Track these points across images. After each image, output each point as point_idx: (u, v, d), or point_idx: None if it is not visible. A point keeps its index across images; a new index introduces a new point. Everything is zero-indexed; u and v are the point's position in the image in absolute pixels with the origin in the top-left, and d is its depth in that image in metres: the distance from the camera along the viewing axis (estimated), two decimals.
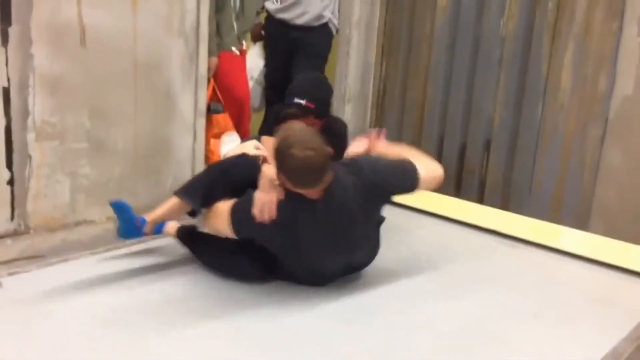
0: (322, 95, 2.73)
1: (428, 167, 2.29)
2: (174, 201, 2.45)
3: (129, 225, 2.46)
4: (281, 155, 2.03)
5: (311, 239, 2.14)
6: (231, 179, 2.31)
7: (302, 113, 2.61)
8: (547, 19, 3.19)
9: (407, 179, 2.23)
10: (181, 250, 2.55)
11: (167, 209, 2.47)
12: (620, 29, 2.95)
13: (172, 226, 2.58)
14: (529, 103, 3.30)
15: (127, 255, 2.56)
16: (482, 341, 2.03)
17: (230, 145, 3.13)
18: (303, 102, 2.64)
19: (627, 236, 2.86)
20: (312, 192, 2.08)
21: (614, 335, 2.11)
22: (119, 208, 2.46)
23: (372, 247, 2.37)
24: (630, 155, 2.95)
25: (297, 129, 2.10)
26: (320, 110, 2.67)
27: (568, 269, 2.74)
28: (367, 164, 2.22)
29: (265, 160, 2.32)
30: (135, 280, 2.31)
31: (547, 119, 3.24)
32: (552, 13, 3.18)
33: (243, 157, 2.37)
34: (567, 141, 3.17)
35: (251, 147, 2.45)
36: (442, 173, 2.32)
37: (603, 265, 2.75)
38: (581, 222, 3.09)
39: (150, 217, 2.48)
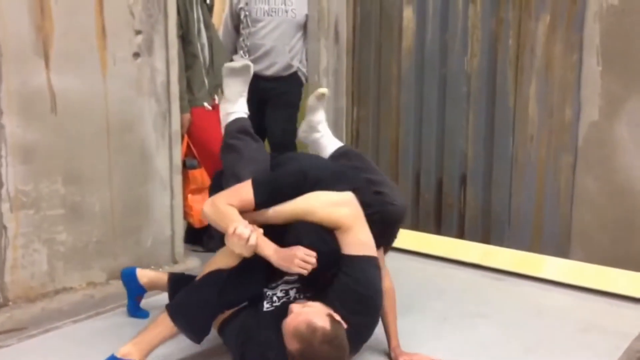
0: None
1: None
2: (166, 325, 1.99)
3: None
4: None
5: None
6: (228, 298, 2.00)
7: None
8: (509, 55, 3.29)
9: None
10: None
11: (158, 336, 1.99)
12: (580, 60, 3.05)
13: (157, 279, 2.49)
14: (499, 136, 3.37)
15: (110, 321, 2.50)
16: None
17: None
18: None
19: (608, 259, 2.90)
20: None
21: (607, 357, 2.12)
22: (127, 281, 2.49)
23: None
24: (602, 179, 3.01)
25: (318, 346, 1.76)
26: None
27: (554, 298, 2.76)
28: None
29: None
30: (121, 345, 2.26)
31: (518, 150, 3.30)
32: (512, 49, 3.27)
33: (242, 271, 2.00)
34: (540, 170, 3.22)
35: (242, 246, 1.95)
36: None
37: (587, 291, 2.77)
38: (562, 249, 3.12)
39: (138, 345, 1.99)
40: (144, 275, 2.50)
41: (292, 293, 2.04)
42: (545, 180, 3.21)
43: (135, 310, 2.53)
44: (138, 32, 2.96)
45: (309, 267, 1.85)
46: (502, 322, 2.49)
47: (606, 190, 3.00)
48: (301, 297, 2.02)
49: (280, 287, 2.06)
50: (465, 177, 3.51)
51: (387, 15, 3.74)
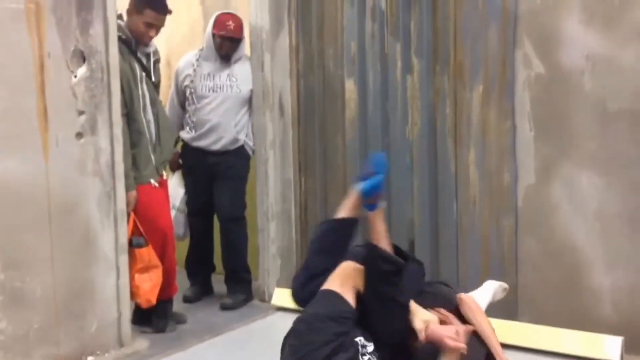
0: None
1: None
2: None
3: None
4: None
5: None
6: None
7: None
8: (447, 123, 3.42)
9: None
10: None
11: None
12: (514, 126, 3.19)
13: None
14: (443, 202, 3.45)
15: None
16: None
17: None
18: None
19: (554, 318, 2.95)
20: None
21: None
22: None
23: None
24: (542, 240, 3.10)
25: None
26: None
27: None
28: None
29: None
30: None
31: (462, 215, 3.38)
32: (450, 118, 3.41)
33: None
34: (484, 234, 3.30)
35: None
36: None
37: (536, 352, 2.79)
38: (510, 311, 3.16)
39: None
40: None
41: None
42: (489, 243, 3.28)
43: None
44: (81, 113, 2.96)
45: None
46: None
47: (547, 250, 3.09)
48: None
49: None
50: (413, 243, 3.56)
51: (330, 87, 3.85)
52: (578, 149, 2.99)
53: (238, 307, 3.79)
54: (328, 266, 2.12)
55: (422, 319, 2.06)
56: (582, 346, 2.73)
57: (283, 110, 3.97)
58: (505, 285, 2.74)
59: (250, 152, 3.94)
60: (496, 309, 3.18)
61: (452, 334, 2.02)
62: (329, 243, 2.25)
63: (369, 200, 2.24)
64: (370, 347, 1.99)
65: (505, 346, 2.84)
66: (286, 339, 2.06)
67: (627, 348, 2.72)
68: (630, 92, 2.86)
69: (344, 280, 2.06)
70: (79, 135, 2.96)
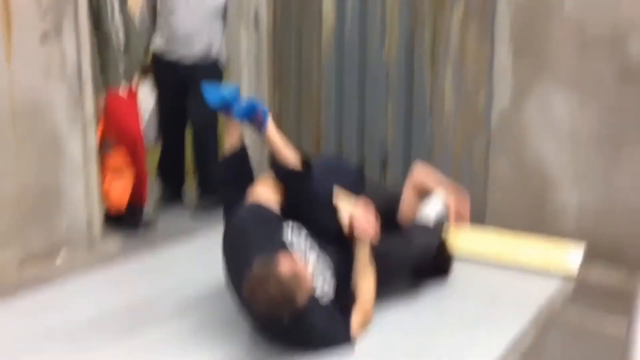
0: None
1: (367, 318, 2.08)
2: None
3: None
4: (248, 295, 1.85)
5: None
6: None
7: None
8: (425, 46, 3.37)
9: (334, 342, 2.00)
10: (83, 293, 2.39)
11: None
12: (492, 49, 3.17)
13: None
14: (417, 123, 3.45)
15: (19, 307, 2.37)
16: (388, 349, 2.03)
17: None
18: None
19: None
20: None
21: (513, 328, 2.15)
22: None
23: None
24: (513, 162, 3.15)
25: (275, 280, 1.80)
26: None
27: (463, 269, 2.76)
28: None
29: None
30: (37, 332, 2.15)
31: (435, 136, 3.39)
32: (428, 40, 3.36)
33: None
34: (456, 155, 3.33)
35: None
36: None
37: (497, 260, 2.82)
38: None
39: None
40: None
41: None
42: (461, 165, 3.32)
43: None
44: (45, 15, 2.82)
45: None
46: (409, 300, 2.50)
47: (517, 171, 3.14)
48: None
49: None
50: (386, 163, 3.58)
51: (307, 3, 3.75)
52: (555, 73, 3.00)
53: (209, 210, 3.73)
54: (241, 196, 2.21)
55: (348, 214, 2.15)
56: (543, 254, 2.73)
57: (258, 24, 3.85)
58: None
59: (223, 66, 3.84)
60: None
61: (364, 222, 2.10)
62: (232, 178, 2.33)
63: (253, 122, 2.25)
64: (304, 231, 2.13)
65: (465, 258, 2.87)
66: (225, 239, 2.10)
67: (588, 260, 2.74)
68: (611, 17, 2.84)
69: (260, 192, 2.17)
70: (44, 37, 2.84)
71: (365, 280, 2.09)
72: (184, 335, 2.14)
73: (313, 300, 1.91)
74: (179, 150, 3.98)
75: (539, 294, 2.50)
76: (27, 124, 2.80)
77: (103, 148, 3.12)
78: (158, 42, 3.73)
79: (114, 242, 3.20)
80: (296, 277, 1.80)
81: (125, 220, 3.32)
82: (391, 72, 3.51)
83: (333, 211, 2.17)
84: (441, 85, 3.36)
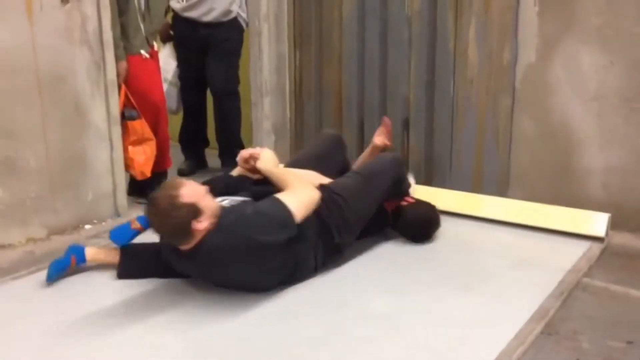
0: None
1: (300, 198, 2.23)
2: None
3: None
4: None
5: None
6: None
7: None
8: None
9: (276, 225, 2.15)
10: (108, 265, 2.47)
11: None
12: (517, 1, 3.07)
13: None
14: (440, 80, 3.39)
15: None
16: (417, 316, 2.09)
17: None
18: None
19: (545, 198, 3.01)
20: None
21: (540, 294, 2.21)
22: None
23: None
24: (538, 120, 3.09)
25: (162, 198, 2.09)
26: None
27: (492, 236, 2.85)
28: (238, 217, 2.17)
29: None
30: (64, 301, 2.23)
31: (459, 94, 3.34)
32: None
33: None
34: (480, 113, 3.28)
35: None
36: (315, 198, 2.28)
37: (524, 228, 2.87)
38: (501, 190, 3.21)
39: None
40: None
41: None
42: (485, 123, 3.27)
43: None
44: None
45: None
46: (440, 262, 2.56)
47: (541, 131, 3.08)
48: None
49: None
50: (408, 122, 3.55)
51: None
52: (582, 26, 2.90)
53: None
54: None
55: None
56: (570, 222, 2.79)
57: None
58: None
59: (243, 25, 3.80)
60: (488, 188, 3.25)
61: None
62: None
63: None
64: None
65: (494, 222, 2.94)
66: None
67: (614, 225, 2.79)
68: None
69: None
70: (64, 0, 2.83)
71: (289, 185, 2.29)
72: (217, 302, 2.20)
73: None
74: (201, 118, 3.99)
75: (566, 258, 2.53)
76: (52, 90, 2.83)
77: (125, 114, 3.13)
78: (177, 2, 3.70)
79: (139, 211, 3.22)
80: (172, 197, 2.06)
81: (149, 188, 3.36)
82: (414, 27, 3.43)
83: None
84: (465, 40, 3.28)
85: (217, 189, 2.30)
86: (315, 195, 2.28)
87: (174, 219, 2.04)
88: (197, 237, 2.10)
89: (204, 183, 2.36)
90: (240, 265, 2.16)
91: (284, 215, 2.14)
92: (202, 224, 2.07)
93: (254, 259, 2.15)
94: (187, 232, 2.07)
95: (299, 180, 2.32)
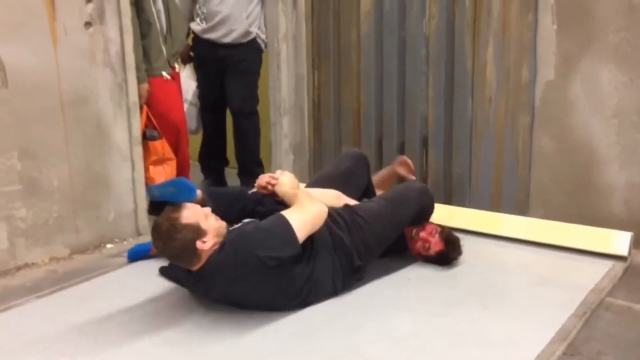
0: None
1: (304, 213, 2.22)
2: None
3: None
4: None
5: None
6: None
7: None
8: (466, 17, 3.29)
9: (276, 240, 2.13)
10: (129, 282, 2.50)
11: None
12: (536, 19, 3.07)
13: None
14: (459, 98, 3.39)
15: (74, 295, 2.49)
16: (435, 336, 2.07)
17: None
18: None
19: (565, 216, 2.98)
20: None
21: (562, 314, 2.19)
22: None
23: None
24: (557, 138, 3.08)
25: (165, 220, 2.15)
26: None
27: (512, 255, 2.83)
28: (238, 233, 2.20)
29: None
30: (86, 319, 2.26)
31: (477, 112, 3.34)
32: (470, 11, 3.28)
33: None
34: (499, 131, 3.27)
35: None
36: (322, 213, 2.27)
37: (545, 246, 2.84)
38: (521, 208, 3.19)
39: None
40: None
41: None
42: (504, 141, 3.26)
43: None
44: (89, 1, 2.88)
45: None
46: (458, 280, 2.54)
47: (560, 147, 3.07)
48: None
49: None
50: (426, 140, 3.55)
51: None
52: (601, 43, 2.89)
53: None
54: None
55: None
56: (592, 241, 2.76)
57: (296, 2, 3.83)
58: None
59: (262, 46, 3.85)
60: (507, 206, 3.23)
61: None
62: None
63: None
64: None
65: (514, 240, 2.91)
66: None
67: (637, 243, 2.75)
68: None
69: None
70: (88, 24, 2.89)
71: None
72: (231, 319, 2.21)
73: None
74: (220, 138, 4.03)
75: (588, 277, 2.50)
76: (75, 111, 2.88)
77: (147, 135, 3.18)
78: (197, 24, 3.75)
79: None
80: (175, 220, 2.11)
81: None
82: (432, 46, 3.45)
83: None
84: (483, 59, 3.29)
85: (223, 206, 2.34)
86: (322, 210, 2.27)
87: (177, 241, 2.07)
88: (204, 257, 2.12)
89: (209, 196, 2.46)
90: (244, 284, 2.15)
91: (285, 230, 2.13)
92: (206, 244, 2.09)
93: (257, 277, 2.12)
94: (192, 252, 2.09)
95: (306, 197, 2.31)
